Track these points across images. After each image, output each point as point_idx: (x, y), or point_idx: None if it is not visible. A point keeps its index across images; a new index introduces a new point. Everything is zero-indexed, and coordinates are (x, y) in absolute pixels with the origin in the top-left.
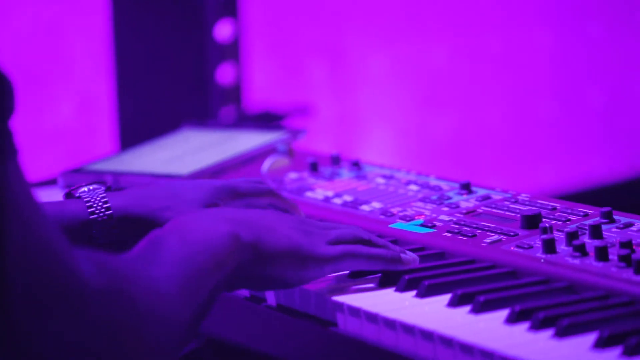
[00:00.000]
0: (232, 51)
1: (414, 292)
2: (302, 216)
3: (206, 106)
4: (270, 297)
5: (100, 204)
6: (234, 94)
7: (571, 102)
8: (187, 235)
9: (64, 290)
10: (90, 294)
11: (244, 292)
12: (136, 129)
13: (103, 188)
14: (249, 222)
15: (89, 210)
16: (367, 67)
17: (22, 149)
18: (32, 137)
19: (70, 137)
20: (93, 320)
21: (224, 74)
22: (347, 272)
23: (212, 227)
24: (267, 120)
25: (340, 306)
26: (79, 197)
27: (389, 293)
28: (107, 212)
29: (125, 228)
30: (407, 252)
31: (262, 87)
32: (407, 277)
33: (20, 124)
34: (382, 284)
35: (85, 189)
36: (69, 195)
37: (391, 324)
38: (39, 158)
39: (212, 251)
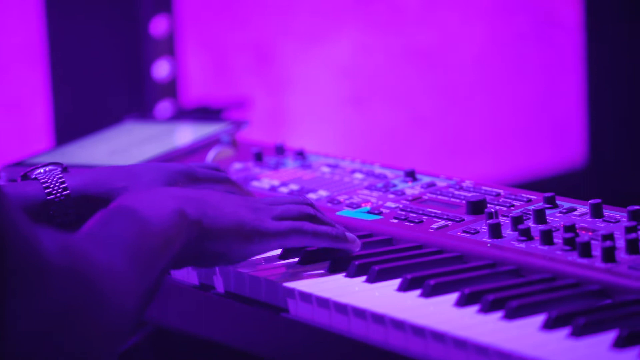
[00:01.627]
0: (167, 46)
1: (364, 278)
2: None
3: (142, 101)
4: (219, 284)
5: (57, 184)
6: (170, 89)
7: (501, 96)
8: (136, 213)
9: (25, 266)
10: (51, 271)
11: (193, 280)
12: (72, 125)
13: (59, 169)
14: (195, 199)
15: (46, 191)
16: (297, 62)
17: None
18: None
19: (3, 135)
20: (53, 297)
21: (160, 69)
22: (296, 259)
23: (160, 204)
24: (204, 114)
25: (291, 292)
26: (36, 178)
27: (339, 279)
28: (64, 193)
29: (84, 208)
30: (350, 234)
31: (197, 82)
32: (356, 262)
33: None
34: (332, 270)
35: (42, 170)
36: (24, 177)
37: (342, 308)
38: None
39: (160, 228)
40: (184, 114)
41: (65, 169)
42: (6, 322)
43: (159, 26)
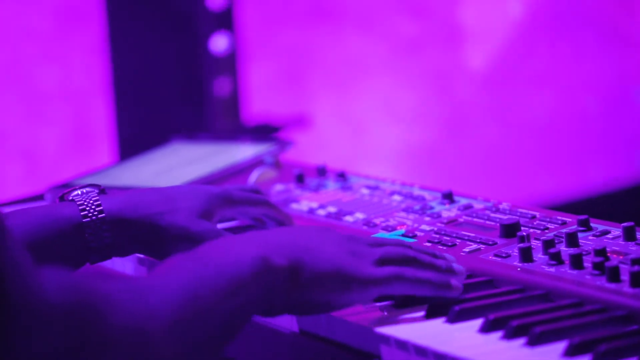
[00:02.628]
0: (228, 63)
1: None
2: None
3: (203, 119)
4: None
5: (92, 207)
6: (231, 106)
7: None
8: (206, 259)
9: (26, 309)
10: (51, 318)
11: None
12: (134, 143)
13: (96, 191)
14: (286, 244)
15: (82, 213)
16: (367, 79)
17: (24, 161)
18: (28, 152)
19: (68, 152)
20: (50, 340)
21: (220, 86)
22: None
23: (237, 251)
24: (264, 132)
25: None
26: (72, 200)
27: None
28: (99, 215)
29: (119, 231)
30: (455, 264)
31: (259, 99)
32: None
33: (13, 138)
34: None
35: (79, 192)
36: (62, 199)
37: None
38: (34, 174)
39: (231, 274)
40: (241, 132)
41: (102, 190)
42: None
43: (219, 43)
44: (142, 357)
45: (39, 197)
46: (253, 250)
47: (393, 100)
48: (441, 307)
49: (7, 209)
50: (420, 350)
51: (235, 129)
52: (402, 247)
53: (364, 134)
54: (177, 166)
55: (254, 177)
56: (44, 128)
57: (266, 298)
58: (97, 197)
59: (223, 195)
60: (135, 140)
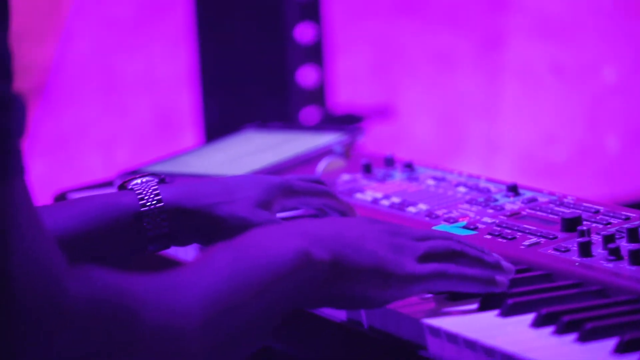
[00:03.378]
0: (314, 53)
1: (444, 295)
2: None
3: (287, 108)
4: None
5: (151, 195)
6: (316, 95)
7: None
8: (246, 250)
9: (59, 310)
10: (83, 317)
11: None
12: (219, 132)
13: (156, 180)
14: (328, 236)
15: (140, 202)
16: (452, 72)
17: (104, 150)
18: (112, 139)
19: (151, 142)
20: (73, 340)
21: (306, 76)
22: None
23: (278, 243)
24: (347, 122)
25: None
26: (132, 189)
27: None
28: (157, 204)
29: (177, 221)
30: (503, 261)
31: (344, 90)
32: None
33: (103, 126)
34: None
35: (139, 181)
36: (121, 188)
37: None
38: (116, 163)
39: (272, 267)
40: (327, 121)
41: (162, 180)
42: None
43: (304, 33)
44: (175, 356)
45: (109, 184)
46: (295, 243)
47: (477, 94)
48: (495, 299)
49: (77, 195)
50: (470, 344)
51: (319, 118)
52: (448, 241)
53: (448, 127)
54: (247, 155)
55: (321, 166)
56: (126, 117)
57: (304, 291)
58: (156, 187)
59: (283, 185)
60: (220, 129)
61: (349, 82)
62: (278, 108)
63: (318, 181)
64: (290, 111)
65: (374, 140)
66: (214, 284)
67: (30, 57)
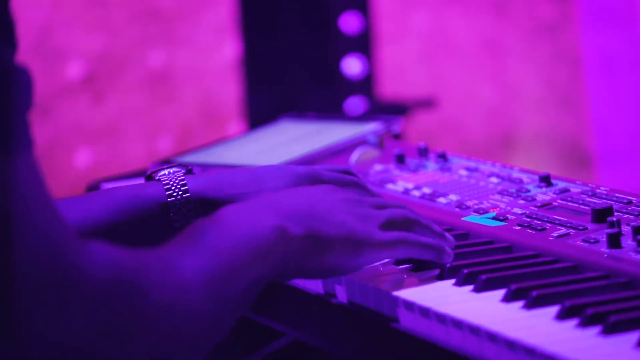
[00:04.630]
0: (360, 43)
1: (471, 287)
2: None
3: (333, 98)
4: (340, 293)
5: (178, 186)
6: (362, 85)
7: None
8: (229, 227)
9: (69, 287)
10: (97, 290)
11: (318, 288)
12: (265, 122)
13: (183, 171)
14: (300, 212)
15: (167, 192)
16: (500, 62)
17: (149, 140)
18: (158, 128)
19: (200, 132)
20: (94, 314)
21: (351, 65)
22: (409, 266)
23: (256, 220)
24: (393, 112)
25: (395, 300)
26: (159, 179)
27: (447, 287)
28: (184, 195)
29: (204, 211)
30: (447, 234)
31: (390, 80)
32: (466, 270)
33: (150, 115)
34: (442, 276)
35: (166, 172)
36: (149, 178)
37: (442, 318)
38: (166, 153)
39: (252, 244)
40: (372, 111)
41: (190, 170)
42: (40, 336)
43: (350, 23)
44: (179, 329)
45: (143, 173)
46: (271, 219)
47: (525, 83)
48: (522, 292)
49: (111, 185)
50: (492, 337)
51: (365, 108)
52: (404, 209)
53: (494, 117)
54: (281, 145)
55: (355, 156)
56: (173, 107)
57: (282, 265)
58: (183, 177)
59: (311, 175)
60: (264, 120)
61: (396, 72)
62: (323, 98)
63: (347, 171)
64: (335, 101)
65: (420, 131)
66: (208, 259)
67: (79, 46)
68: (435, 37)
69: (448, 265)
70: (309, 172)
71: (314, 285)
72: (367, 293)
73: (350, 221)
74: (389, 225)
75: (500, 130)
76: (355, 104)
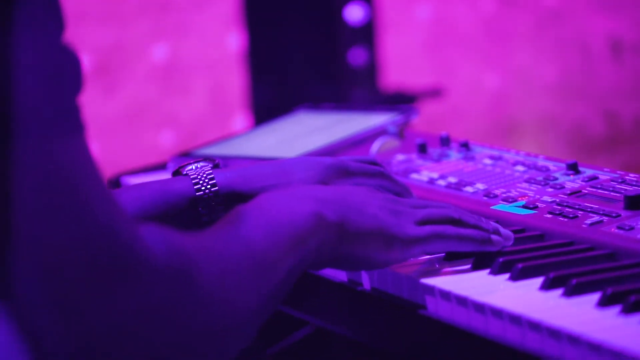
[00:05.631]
0: (364, 33)
1: (507, 275)
2: (394, 195)
3: (338, 88)
4: (366, 280)
5: (206, 180)
6: (367, 76)
7: None
8: (269, 214)
9: (124, 268)
10: (151, 271)
11: (342, 277)
12: (270, 112)
13: (210, 165)
14: (335, 200)
15: (195, 187)
16: (506, 50)
17: (161, 130)
18: (169, 121)
19: (207, 121)
20: (152, 297)
21: (356, 56)
22: (441, 255)
23: (295, 206)
24: (399, 102)
25: (431, 289)
26: (186, 174)
27: (482, 276)
28: (212, 189)
29: (232, 205)
30: (501, 229)
31: (395, 70)
32: (501, 259)
33: (161, 106)
34: (476, 266)
35: (193, 167)
36: (176, 173)
37: (480, 307)
38: (171, 144)
39: (292, 231)
40: (379, 101)
41: (217, 165)
42: (96, 326)
43: (354, 13)
44: (224, 316)
45: (162, 166)
46: (308, 206)
47: (532, 71)
48: (560, 279)
49: (131, 179)
50: (534, 325)
51: (371, 99)
52: (446, 209)
53: (502, 105)
54: (300, 136)
55: (376, 146)
56: (185, 97)
57: (318, 253)
58: (211, 171)
59: (338, 166)
60: (270, 111)
61: (401, 62)
62: (329, 89)
63: (373, 162)
64: (341, 92)
65: (426, 120)
66: (252, 245)
67: (90, 38)
68: (440, 26)
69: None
70: (336, 162)
71: (340, 274)
72: (399, 281)
73: (384, 215)
74: (426, 222)
75: (506, 118)
76: (360, 94)
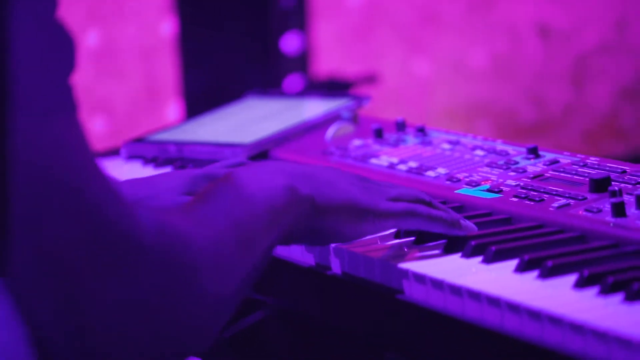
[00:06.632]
0: (297, 20)
1: (480, 258)
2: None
3: (271, 75)
4: (336, 264)
5: None
6: (299, 62)
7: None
8: (244, 190)
9: (122, 245)
10: (148, 249)
11: (309, 260)
12: (202, 100)
13: None
14: (306, 175)
15: None
16: (438, 35)
17: (99, 115)
18: (103, 106)
19: (140, 107)
20: (149, 275)
21: (289, 42)
22: (411, 239)
23: (268, 181)
24: (333, 88)
25: (405, 273)
26: None
27: (455, 259)
28: None
29: None
30: (466, 220)
31: (328, 56)
32: (473, 242)
33: (89, 93)
34: (448, 250)
35: None
36: None
37: (457, 290)
38: (104, 131)
39: (269, 205)
40: (310, 89)
41: None
42: (95, 307)
43: (287, 1)
44: (216, 286)
45: (115, 152)
46: (281, 180)
47: (462, 56)
48: (535, 262)
49: None
50: (513, 307)
51: (304, 86)
52: (416, 191)
53: (433, 90)
54: (254, 121)
55: (331, 132)
56: (118, 84)
57: (291, 227)
58: None
59: (206, 174)
60: (203, 96)
61: (334, 48)
62: (262, 76)
63: (242, 164)
64: (274, 79)
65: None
66: (235, 219)
67: None
68: (371, 11)
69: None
70: (203, 172)
71: (309, 259)
72: (372, 265)
73: (355, 190)
74: (397, 200)
75: (438, 104)
76: (293, 81)
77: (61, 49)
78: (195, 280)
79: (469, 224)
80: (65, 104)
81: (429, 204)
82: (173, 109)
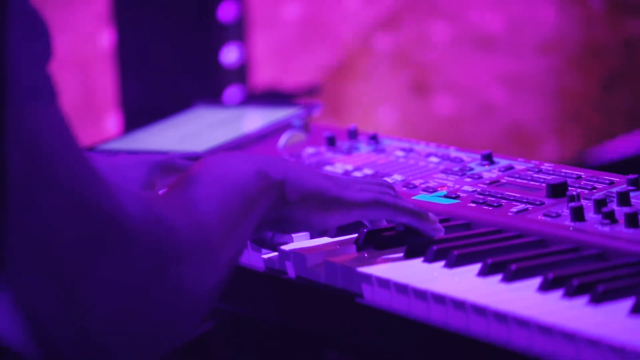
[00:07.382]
0: (236, 32)
1: (442, 263)
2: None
3: (210, 87)
4: (291, 269)
5: None
6: (239, 74)
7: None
8: (220, 175)
9: (111, 228)
10: (136, 232)
11: (261, 264)
12: (141, 112)
13: None
14: (277, 162)
15: None
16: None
17: None
18: None
19: (76, 122)
20: (138, 257)
21: (228, 54)
22: (371, 246)
23: (241, 167)
24: (274, 100)
25: (367, 277)
26: None
27: (417, 264)
28: None
29: None
30: (431, 214)
31: (267, 67)
32: (435, 247)
33: None
34: (409, 254)
35: None
36: None
37: (422, 294)
38: None
39: (243, 191)
40: (254, 99)
41: None
42: (87, 293)
43: (227, 12)
44: (201, 270)
45: None
46: (253, 166)
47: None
48: (498, 265)
49: None
50: (480, 310)
51: (244, 97)
52: (382, 180)
53: (368, 101)
54: (205, 130)
55: (283, 140)
56: None
57: (267, 210)
58: None
59: (166, 163)
60: (142, 108)
61: (273, 60)
62: (201, 88)
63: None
64: (213, 91)
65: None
66: (215, 200)
67: None
68: (309, 23)
69: (412, 243)
70: (162, 159)
71: (262, 262)
72: (334, 270)
73: (323, 180)
74: (363, 190)
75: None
76: (233, 93)
77: (39, 37)
78: (182, 263)
79: (435, 219)
80: (46, 91)
81: (397, 196)
82: (112, 120)
